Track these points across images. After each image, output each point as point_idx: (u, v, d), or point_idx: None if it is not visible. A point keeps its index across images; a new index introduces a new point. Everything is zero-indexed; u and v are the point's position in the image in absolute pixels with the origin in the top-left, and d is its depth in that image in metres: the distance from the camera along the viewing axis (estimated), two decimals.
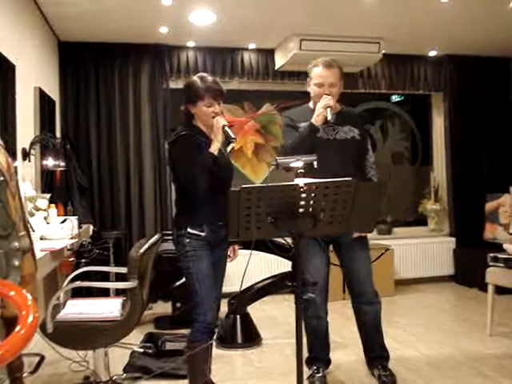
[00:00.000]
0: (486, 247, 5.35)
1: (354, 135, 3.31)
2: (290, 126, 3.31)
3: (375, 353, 3.42)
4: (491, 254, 4.31)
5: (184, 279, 2.93)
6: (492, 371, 3.54)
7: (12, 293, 1.37)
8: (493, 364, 3.68)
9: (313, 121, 3.16)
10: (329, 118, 3.11)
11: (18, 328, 1.23)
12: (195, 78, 2.93)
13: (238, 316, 4.25)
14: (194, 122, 2.92)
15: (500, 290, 4.35)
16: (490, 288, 4.32)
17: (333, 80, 3.21)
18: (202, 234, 2.77)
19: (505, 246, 4.28)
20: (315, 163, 3.14)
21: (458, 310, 5.52)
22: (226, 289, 3.14)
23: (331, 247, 3.43)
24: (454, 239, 6.61)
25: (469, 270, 6.17)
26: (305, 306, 3.32)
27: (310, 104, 3.36)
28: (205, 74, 2.94)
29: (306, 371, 3.40)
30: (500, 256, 4.20)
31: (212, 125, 2.88)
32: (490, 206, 6.20)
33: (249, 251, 2.24)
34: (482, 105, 6.62)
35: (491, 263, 4.29)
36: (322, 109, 3.13)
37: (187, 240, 2.77)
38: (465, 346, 4.06)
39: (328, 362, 3.49)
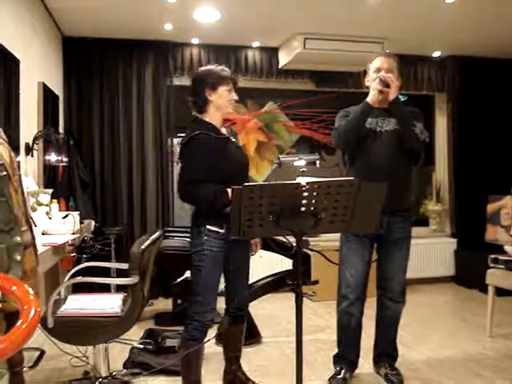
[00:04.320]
0: (487, 249, 5.33)
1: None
2: (345, 115, 3.27)
3: (385, 350, 3.41)
4: (492, 256, 4.31)
5: (190, 274, 2.89)
6: (491, 372, 3.54)
7: (14, 287, 1.37)
8: (492, 365, 3.68)
9: (368, 100, 3.14)
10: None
11: (19, 322, 1.23)
12: (209, 66, 2.90)
13: None
14: (204, 118, 2.83)
15: (500, 292, 4.34)
16: (491, 289, 4.32)
17: (388, 66, 3.18)
18: (221, 230, 2.73)
19: (506, 247, 4.28)
20: (317, 162, 3.15)
21: (458, 310, 5.52)
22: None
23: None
24: (455, 240, 6.61)
25: (469, 271, 6.17)
26: (338, 300, 3.32)
27: None
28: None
29: (331, 368, 3.41)
30: (501, 258, 4.20)
31: (229, 112, 2.85)
32: (491, 207, 6.18)
33: None
34: (485, 106, 6.61)
35: (492, 265, 4.30)
36: (377, 86, 3.11)
37: (205, 237, 2.74)
38: (464, 347, 4.07)
39: (353, 364, 3.39)
